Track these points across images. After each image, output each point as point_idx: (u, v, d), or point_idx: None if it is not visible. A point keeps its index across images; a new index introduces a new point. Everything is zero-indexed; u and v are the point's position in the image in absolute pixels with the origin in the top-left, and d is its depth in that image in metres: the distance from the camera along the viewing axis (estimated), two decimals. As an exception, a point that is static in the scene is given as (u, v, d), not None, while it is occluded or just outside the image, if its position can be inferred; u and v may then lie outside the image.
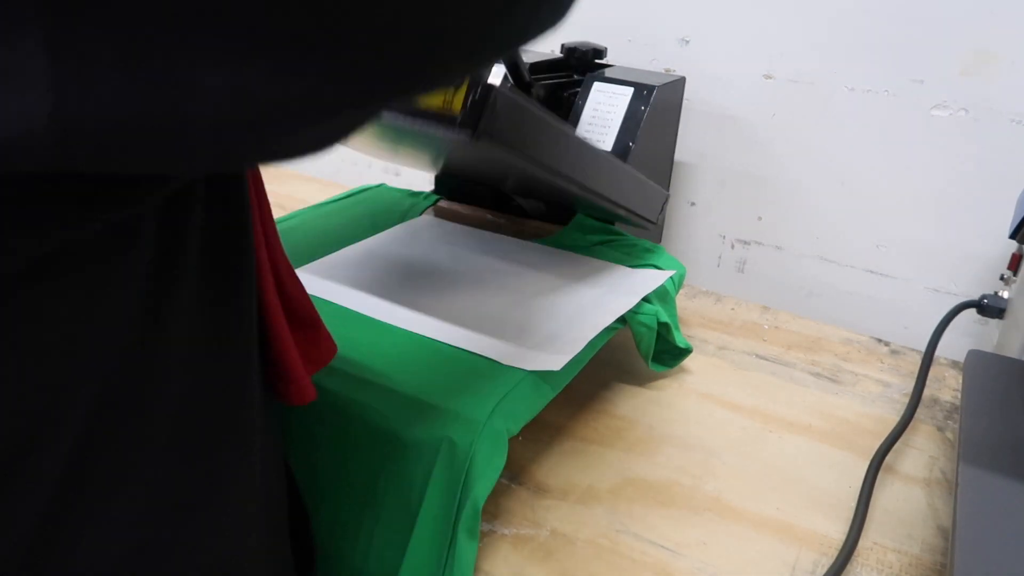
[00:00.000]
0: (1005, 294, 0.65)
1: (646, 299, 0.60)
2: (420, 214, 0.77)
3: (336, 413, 0.46)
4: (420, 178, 1.08)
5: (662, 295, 0.63)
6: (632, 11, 0.84)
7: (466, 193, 0.84)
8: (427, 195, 0.82)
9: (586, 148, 0.58)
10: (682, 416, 0.61)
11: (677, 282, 0.66)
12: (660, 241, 0.87)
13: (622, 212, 0.65)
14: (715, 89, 0.83)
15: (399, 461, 0.43)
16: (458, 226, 0.73)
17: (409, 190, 0.83)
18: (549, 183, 0.56)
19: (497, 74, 0.43)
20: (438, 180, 0.86)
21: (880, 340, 0.75)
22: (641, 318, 0.59)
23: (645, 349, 0.61)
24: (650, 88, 0.72)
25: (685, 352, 0.66)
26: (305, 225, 0.72)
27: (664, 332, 0.62)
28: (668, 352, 0.65)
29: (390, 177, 1.12)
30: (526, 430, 0.58)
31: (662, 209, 0.71)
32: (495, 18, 0.21)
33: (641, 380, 0.66)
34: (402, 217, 0.75)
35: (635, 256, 0.68)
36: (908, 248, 0.78)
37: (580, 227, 0.72)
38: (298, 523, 0.43)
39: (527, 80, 0.65)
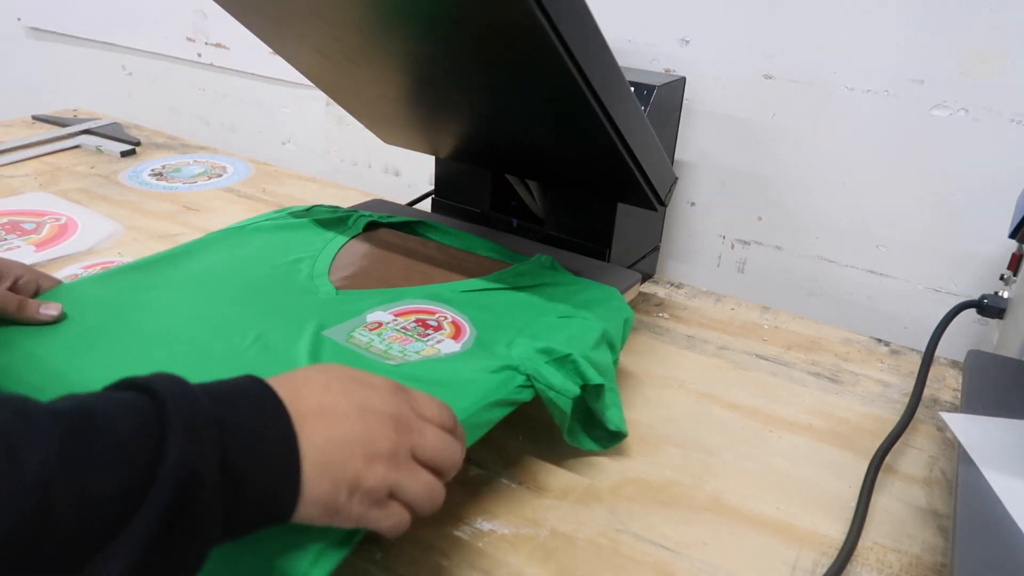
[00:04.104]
0: (1005, 294, 0.65)
1: (570, 359, 0.51)
2: (337, 251, 0.68)
3: None
4: (422, 177, 1.09)
5: (596, 358, 0.53)
6: (632, 11, 0.84)
7: (465, 192, 0.84)
8: (356, 218, 0.74)
9: (619, 72, 0.55)
10: (682, 416, 0.61)
11: (619, 333, 0.57)
12: (660, 240, 0.87)
13: (635, 174, 0.62)
14: (715, 89, 0.83)
15: None
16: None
17: (340, 212, 0.75)
18: (571, 103, 0.54)
19: None
20: (439, 179, 0.86)
21: (880, 340, 0.75)
22: (552, 380, 0.49)
23: (559, 419, 0.51)
24: (650, 88, 0.72)
25: (619, 436, 0.55)
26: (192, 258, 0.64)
27: (592, 402, 0.53)
28: (604, 429, 0.55)
29: (390, 177, 1.12)
30: (526, 430, 0.58)
31: (670, 190, 0.70)
32: None
33: (641, 380, 0.66)
34: (297, 262, 0.65)
35: (577, 298, 0.60)
36: (908, 248, 0.78)
37: (531, 267, 0.65)
38: None
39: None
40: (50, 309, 0.52)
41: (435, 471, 0.38)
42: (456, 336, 0.55)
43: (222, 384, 0.34)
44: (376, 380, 0.38)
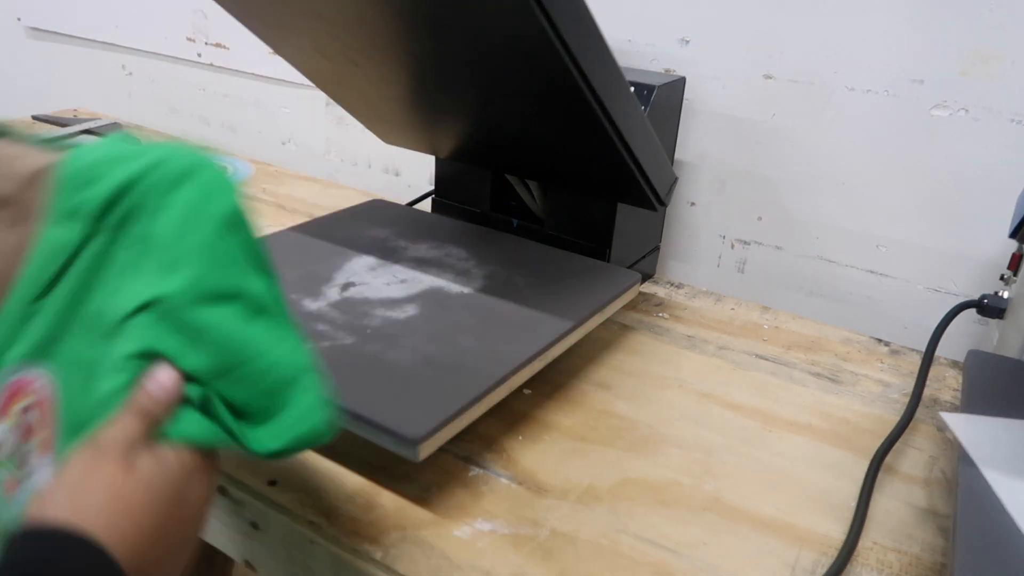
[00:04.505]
0: (1005, 294, 0.65)
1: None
2: None
3: None
4: (422, 177, 1.08)
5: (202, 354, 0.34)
6: (632, 11, 0.84)
7: (465, 192, 0.84)
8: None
9: (619, 72, 0.55)
10: (682, 416, 0.61)
11: (237, 260, 0.35)
12: (660, 240, 0.87)
13: (635, 174, 0.61)
14: (715, 89, 0.83)
15: None
16: None
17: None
18: (570, 102, 0.53)
19: None
20: (439, 179, 0.86)
21: (880, 340, 0.75)
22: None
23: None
24: (650, 88, 0.72)
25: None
26: None
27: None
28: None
29: (390, 177, 1.12)
30: (527, 429, 0.58)
31: (670, 190, 0.69)
32: None
33: (641, 380, 0.66)
34: None
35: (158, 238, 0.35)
36: (908, 248, 0.78)
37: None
38: None
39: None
40: None
41: None
42: (47, 442, 0.35)
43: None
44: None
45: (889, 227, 0.79)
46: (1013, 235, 0.62)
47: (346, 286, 0.65)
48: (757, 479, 0.55)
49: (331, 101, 0.80)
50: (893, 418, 0.62)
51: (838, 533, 0.50)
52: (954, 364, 0.72)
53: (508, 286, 0.66)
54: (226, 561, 0.97)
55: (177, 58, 1.28)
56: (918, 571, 0.48)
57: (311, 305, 0.61)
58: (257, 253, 0.36)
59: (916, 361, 0.69)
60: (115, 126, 1.21)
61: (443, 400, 0.50)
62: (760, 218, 0.85)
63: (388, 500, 0.50)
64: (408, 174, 1.10)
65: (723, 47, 0.81)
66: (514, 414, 0.59)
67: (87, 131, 1.17)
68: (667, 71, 0.84)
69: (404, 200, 0.90)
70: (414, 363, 0.54)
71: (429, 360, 0.54)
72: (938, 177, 0.75)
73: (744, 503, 0.52)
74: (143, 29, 1.30)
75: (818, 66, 0.77)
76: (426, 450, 0.48)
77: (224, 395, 0.34)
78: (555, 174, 0.73)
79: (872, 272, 0.81)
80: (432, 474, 0.53)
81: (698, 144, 0.86)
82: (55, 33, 1.42)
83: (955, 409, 0.64)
